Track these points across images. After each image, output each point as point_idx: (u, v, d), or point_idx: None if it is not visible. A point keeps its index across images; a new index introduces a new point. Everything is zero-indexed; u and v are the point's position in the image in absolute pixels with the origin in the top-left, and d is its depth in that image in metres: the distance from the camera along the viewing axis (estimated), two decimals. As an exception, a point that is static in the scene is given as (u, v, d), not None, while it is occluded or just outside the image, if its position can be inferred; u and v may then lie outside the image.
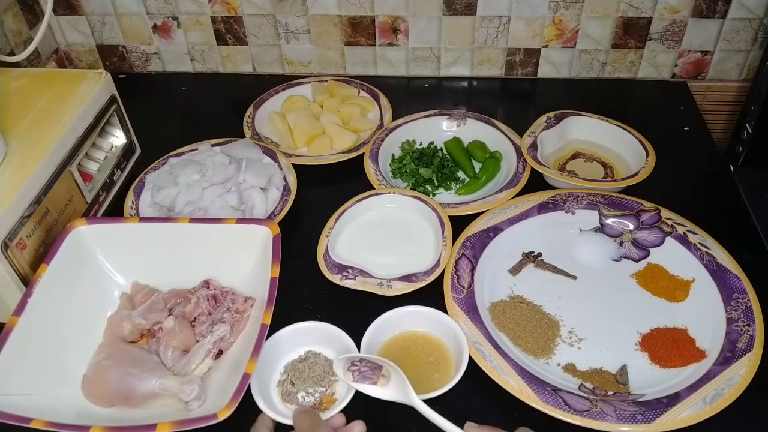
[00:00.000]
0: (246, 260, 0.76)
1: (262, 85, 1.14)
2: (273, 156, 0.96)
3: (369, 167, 0.94)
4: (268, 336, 0.68)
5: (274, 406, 0.66)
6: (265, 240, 0.75)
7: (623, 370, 0.71)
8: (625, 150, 0.97)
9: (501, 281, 0.81)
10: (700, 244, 0.81)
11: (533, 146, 0.94)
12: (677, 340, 0.73)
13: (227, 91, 1.20)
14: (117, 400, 0.67)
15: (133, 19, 1.17)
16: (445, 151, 1.01)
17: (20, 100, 0.85)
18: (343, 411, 0.64)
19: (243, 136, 1.02)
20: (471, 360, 0.69)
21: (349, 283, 0.77)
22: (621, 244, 0.84)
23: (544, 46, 1.14)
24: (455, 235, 0.83)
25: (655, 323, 0.75)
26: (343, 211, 0.86)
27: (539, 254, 0.84)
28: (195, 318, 0.75)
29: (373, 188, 0.91)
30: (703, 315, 0.75)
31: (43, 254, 0.75)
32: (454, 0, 1.09)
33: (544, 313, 0.77)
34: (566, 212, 0.87)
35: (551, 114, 1.00)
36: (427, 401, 0.62)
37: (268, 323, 0.66)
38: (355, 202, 0.87)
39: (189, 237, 0.78)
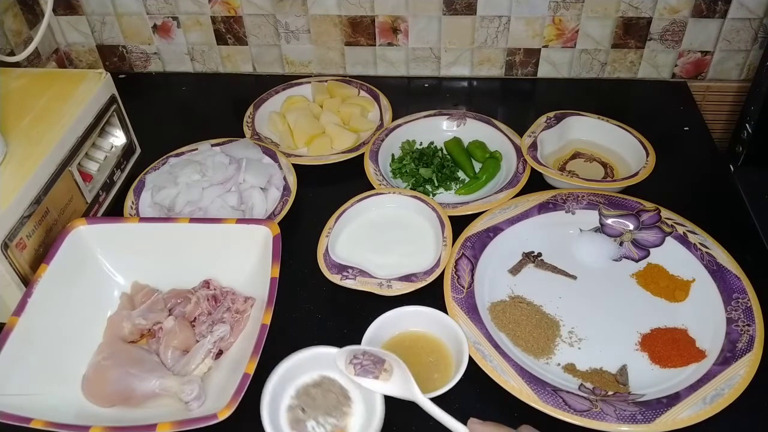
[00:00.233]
0: (246, 260, 0.76)
1: (262, 85, 1.14)
2: (273, 156, 0.96)
3: (369, 167, 0.94)
4: (285, 357, 0.66)
5: None
6: (265, 240, 0.75)
7: (623, 370, 0.71)
8: (625, 150, 0.97)
9: (501, 281, 0.81)
10: (700, 244, 0.81)
11: (533, 146, 0.94)
12: (677, 340, 0.73)
13: (227, 91, 1.20)
14: (117, 400, 0.67)
15: (133, 19, 1.17)
16: (445, 151, 1.01)
17: (20, 100, 0.85)
18: None
19: (243, 136, 1.02)
20: (471, 360, 0.69)
21: (349, 283, 0.77)
22: (621, 244, 0.84)
23: (544, 46, 1.14)
24: (455, 235, 0.83)
25: (655, 323, 0.75)
26: (343, 211, 0.86)
27: (539, 254, 0.84)
28: (195, 318, 0.75)
29: (373, 188, 0.91)
30: (703, 315, 0.75)
31: (43, 254, 0.75)
32: (454, 0, 1.09)
33: (544, 313, 0.77)
34: (566, 212, 0.87)
35: (551, 114, 1.00)
36: (427, 401, 0.62)
37: (268, 323, 0.66)
38: (355, 202, 0.87)
39: (189, 237, 0.78)
